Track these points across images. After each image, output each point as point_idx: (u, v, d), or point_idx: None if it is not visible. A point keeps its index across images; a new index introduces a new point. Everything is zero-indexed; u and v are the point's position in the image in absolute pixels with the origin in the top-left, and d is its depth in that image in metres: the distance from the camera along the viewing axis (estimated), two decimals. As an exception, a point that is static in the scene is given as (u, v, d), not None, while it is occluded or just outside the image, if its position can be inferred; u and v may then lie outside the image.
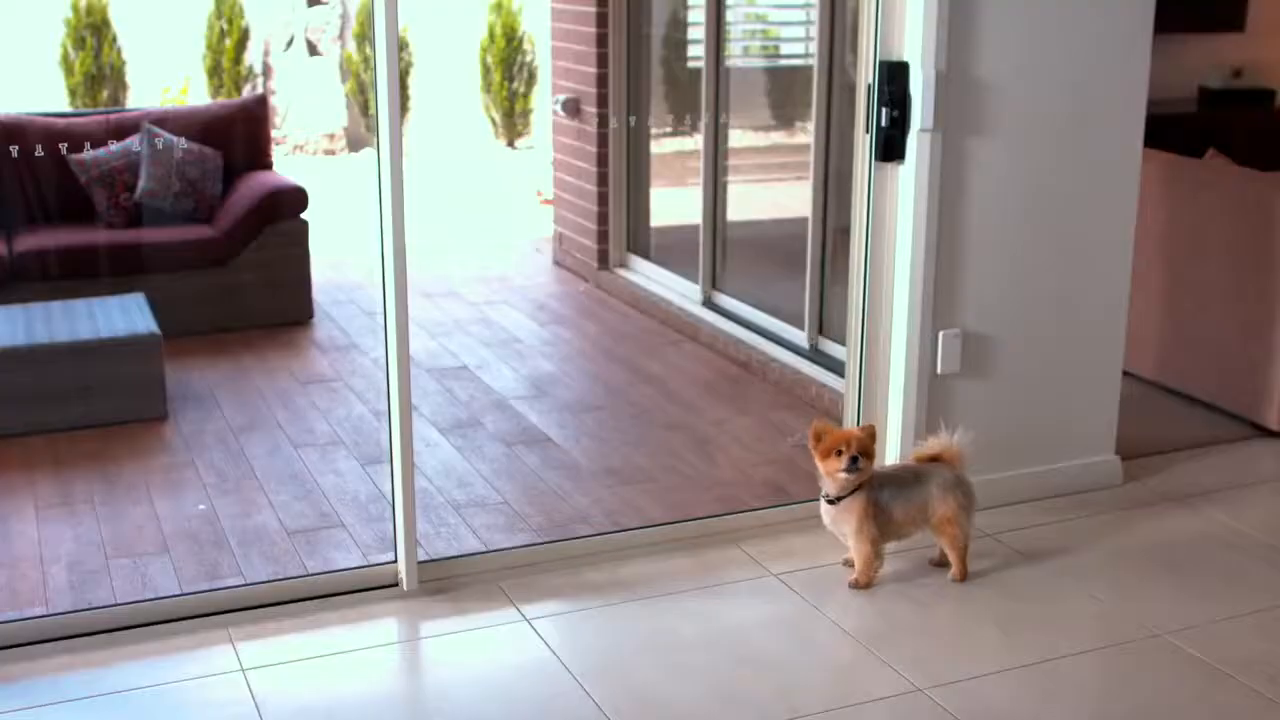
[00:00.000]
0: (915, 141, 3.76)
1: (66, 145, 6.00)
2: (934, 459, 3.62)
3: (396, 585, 3.58)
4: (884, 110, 3.74)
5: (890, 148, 3.78)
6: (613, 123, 6.79)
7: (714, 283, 6.19)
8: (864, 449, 3.50)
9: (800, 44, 6.08)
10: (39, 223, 5.96)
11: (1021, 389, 4.04)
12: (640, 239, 6.91)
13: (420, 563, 3.63)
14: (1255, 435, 4.74)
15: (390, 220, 3.39)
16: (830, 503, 3.59)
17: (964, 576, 3.64)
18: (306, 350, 5.89)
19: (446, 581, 3.64)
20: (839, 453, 3.49)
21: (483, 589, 3.61)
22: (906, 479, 3.62)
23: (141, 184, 6.02)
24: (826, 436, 3.53)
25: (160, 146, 6.07)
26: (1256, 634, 3.40)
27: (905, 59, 3.74)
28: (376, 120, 3.38)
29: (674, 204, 6.83)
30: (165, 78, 9.17)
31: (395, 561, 3.61)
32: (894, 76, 3.75)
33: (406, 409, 3.54)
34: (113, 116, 6.43)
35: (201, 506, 4.21)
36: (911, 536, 3.67)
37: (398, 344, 3.49)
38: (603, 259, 6.94)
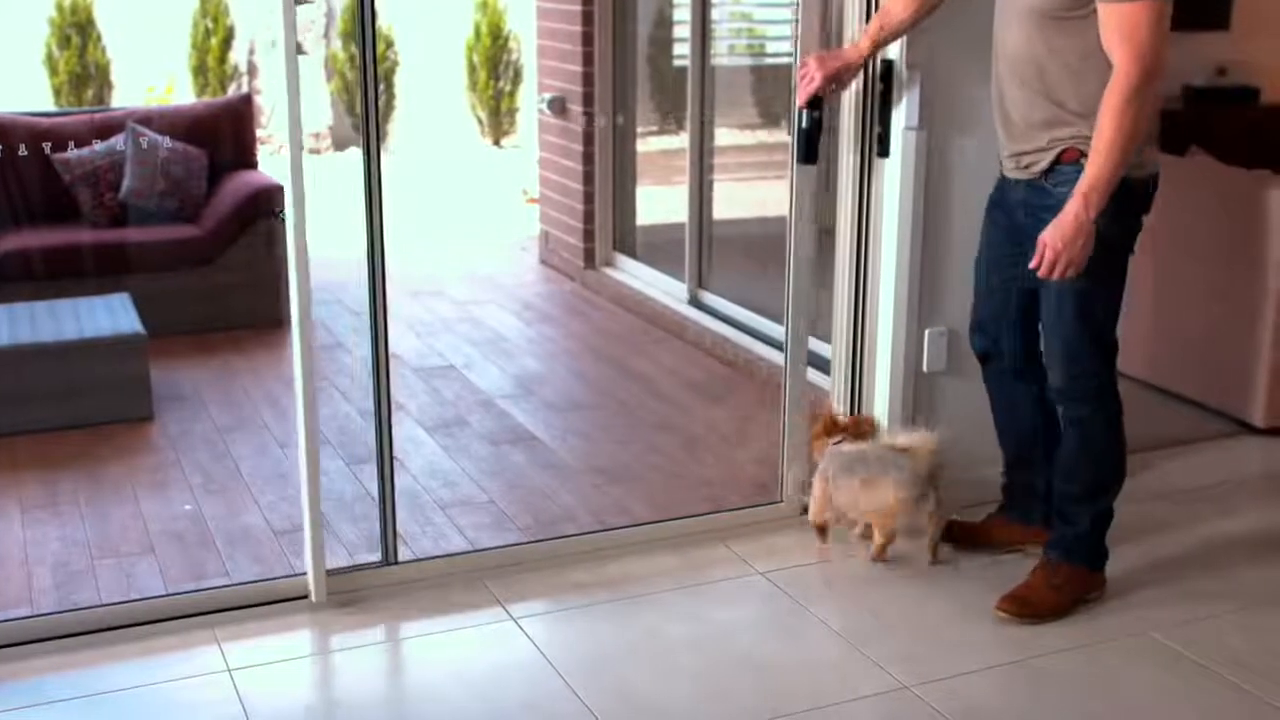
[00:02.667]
0: (901, 140, 3.76)
1: (50, 145, 5.99)
2: (905, 449, 3.65)
3: (382, 584, 3.58)
4: (805, 112, 3.71)
5: (811, 150, 3.76)
6: (599, 121, 6.79)
7: (700, 281, 6.19)
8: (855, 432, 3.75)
9: (786, 43, 6.08)
10: (23, 222, 5.94)
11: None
12: (626, 238, 6.91)
13: (406, 562, 3.63)
14: (1241, 432, 4.75)
15: (369, 218, 3.39)
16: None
17: (882, 554, 3.72)
18: (291, 349, 5.87)
19: (433, 581, 3.63)
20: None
21: (469, 588, 3.60)
22: (870, 460, 3.66)
23: (126, 183, 6.01)
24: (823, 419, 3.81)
25: (145, 146, 6.06)
26: (1242, 632, 3.41)
27: (891, 57, 3.74)
28: (364, 118, 3.37)
29: (660, 202, 6.83)
30: (150, 77, 9.15)
31: (382, 561, 3.61)
32: (880, 75, 3.75)
33: (386, 410, 3.54)
34: (97, 116, 6.42)
35: (187, 507, 4.20)
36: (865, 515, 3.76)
37: (377, 341, 3.49)
38: (589, 258, 6.94)
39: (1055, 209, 3.16)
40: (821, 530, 3.82)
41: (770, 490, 4.12)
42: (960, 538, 3.78)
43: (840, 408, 3.97)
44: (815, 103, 3.67)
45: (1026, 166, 3.30)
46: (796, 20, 3.75)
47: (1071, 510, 3.49)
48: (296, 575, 3.61)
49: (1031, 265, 3.16)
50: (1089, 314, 3.30)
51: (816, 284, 3.97)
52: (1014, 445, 3.70)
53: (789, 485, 4.00)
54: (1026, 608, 3.43)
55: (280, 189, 6.08)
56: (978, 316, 3.61)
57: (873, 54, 3.66)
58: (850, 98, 3.84)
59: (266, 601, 3.48)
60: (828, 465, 3.72)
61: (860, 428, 3.76)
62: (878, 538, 3.72)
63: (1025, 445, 3.67)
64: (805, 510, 3.91)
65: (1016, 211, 3.37)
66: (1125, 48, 3.00)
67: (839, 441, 3.72)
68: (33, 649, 3.28)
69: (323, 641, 3.36)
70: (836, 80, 3.64)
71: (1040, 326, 3.44)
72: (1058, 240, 3.10)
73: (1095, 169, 3.06)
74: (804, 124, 3.72)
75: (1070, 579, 3.47)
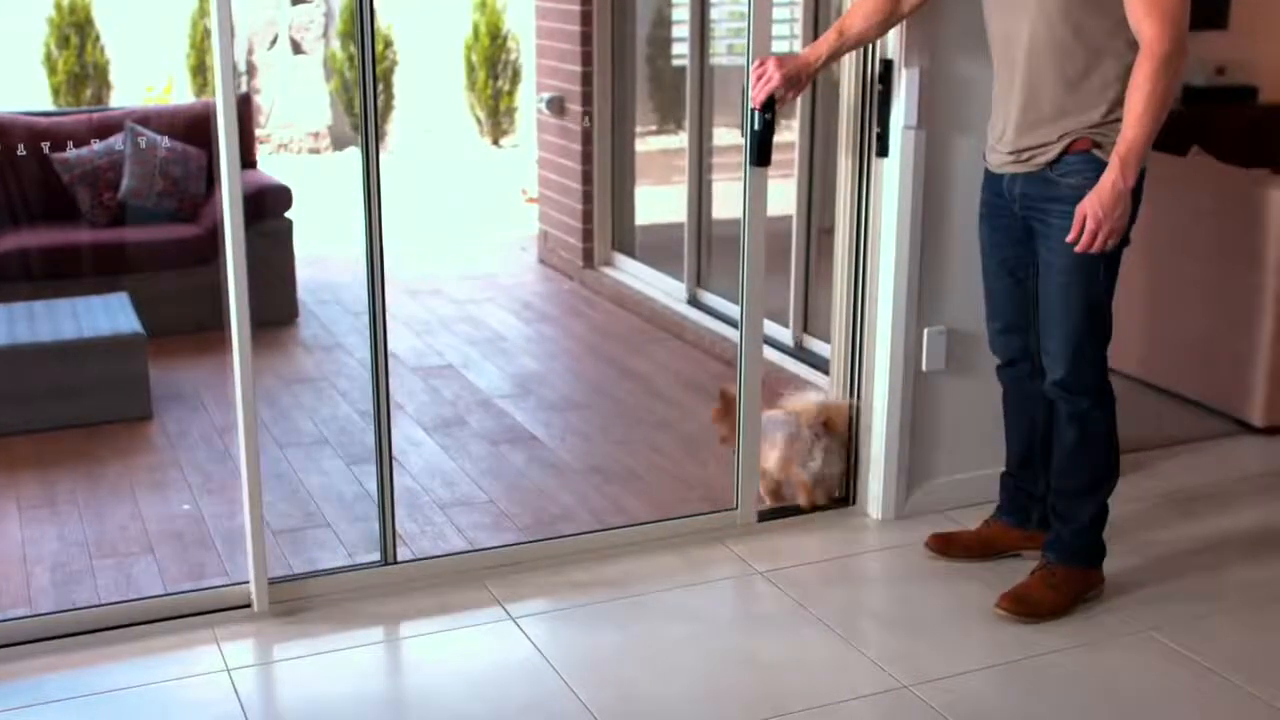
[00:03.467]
0: (899, 139, 3.76)
1: (49, 144, 5.99)
2: (795, 412, 4.01)
3: (382, 584, 3.58)
4: (758, 114, 3.70)
5: (764, 151, 3.75)
6: (584, 122, 6.78)
7: (699, 280, 6.19)
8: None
9: (785, 42, 6.07)
10: (22, 222, 5.94)
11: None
12: (625, 237, 6.91)
13: (405, 561, 3.63)
14: (1239, 432, 4.75)
15: (368, 218, 3.39)
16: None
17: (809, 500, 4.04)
18: (291, 350, 5.88)
19: (432, 581, 3.63)
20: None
21: (468, 588, 3.60)
22: (769, 425, 4.01)
23: (125, 183, 6.01)
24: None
25: (144, 145, 6.05)
26: (1241, 630, 3.41)
27: (890, 56, 3.74)
28: (362, 118, 3.37)
29: (659, 202, 6.83)
30: (149, 76, 9.15)
31: (380, 560, 3.61)
32: (879, 74, 3.75)
33: (386, 410, 3.54)
34: (96, 115, 6.42)
35: (186, 506, 4.20)
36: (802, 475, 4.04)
37: (376, 341, 3.49)
38: (588, 257, 6.94)
39: (1061, 200, 3.19)
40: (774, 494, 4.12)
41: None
42: (959, 548, 3.77)
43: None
44: (769, 105, 3.65)
45: (1028, 160, 3.29)
46: (749, 23, 3.71)
47: (1069, 508, 3.49)
48: (297, 574, 3.61)
49: (1070, 238, 3.15)
50: (1094, 302, 3.31)
51: (816, 284, 3.97)
52: (1023, 446, 3.68)
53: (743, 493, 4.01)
54: (1026, 606, 3.43)
55: (280, 188, 6.12)
56: (1000, 323, 3.57)
57: (829, 63, 3.65)
58: (849, 97, 3.84)
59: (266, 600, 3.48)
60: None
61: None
62: (801, 497, 4.04)
63: (1033, 446, 3.65)
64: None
65: (1014, 207, 3.37)
66: (1153, 19, 3.03)
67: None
68: (31, 649, 3.28)
69: (322, 642, 3.35)
70: (794, 82, 3.62)
71: (1039, 319, 3.43)
72: (1098, 209, 3.10)
73: (1131, 134, 3.07)
74: (756, 126, 3.70)
75: (1068, 578, 3.48)
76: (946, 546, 3.76)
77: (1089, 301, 3.30)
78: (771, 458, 4.02)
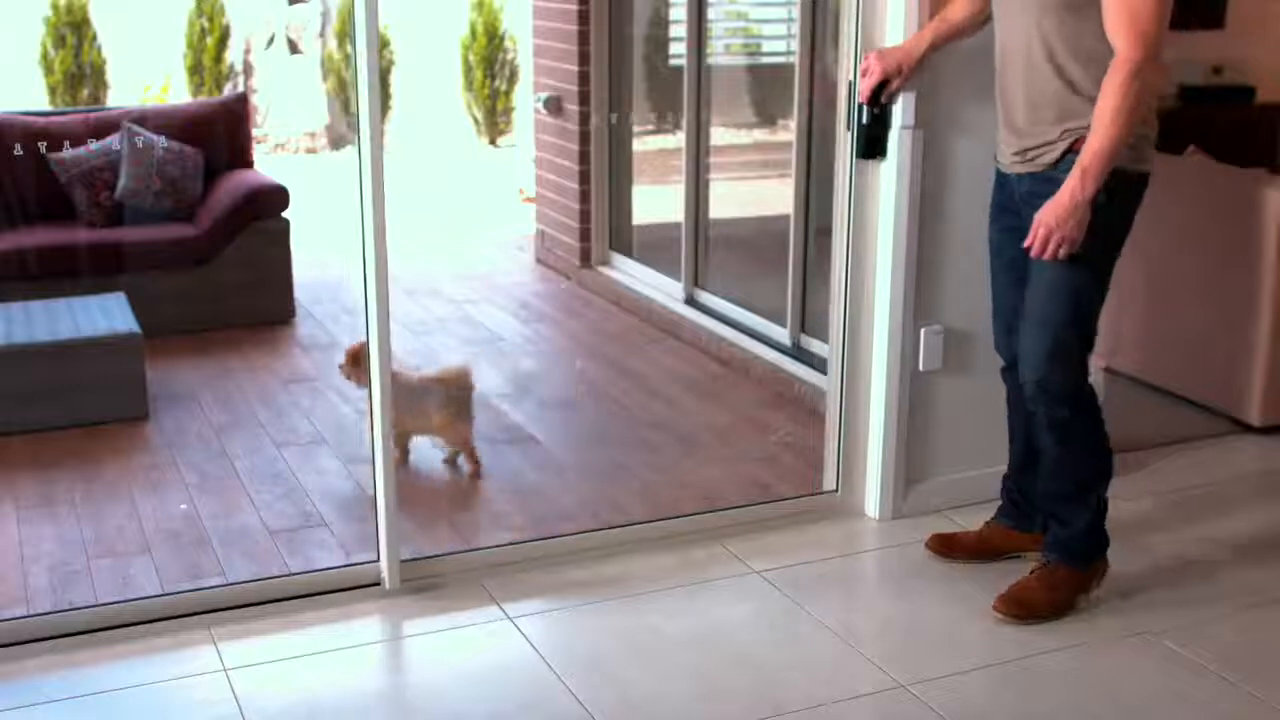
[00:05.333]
0: (896, 139, 3.76)
1: (46, 144, 5.98)
2: (440, 380, 4.50)
3: (378, 584, 3.58)
4: (865, 108, 3.74)
5: (872, 145, 3.79)
6: (594, 120, 6.79)
7: (696, 280, 6.19)
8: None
9: (782, 41, 6.08)
10: (18, 222, 5.93)
11: (1003, 386, 4.04)
12: (622, 237, 6.91)
13: (403, 561, 3.63)
14: (1236, 431, 4.75)
15: (371, 219, 3.38)
16: None
17: (476, 469, 4.49)
18: (288, 349, 5.88)
19: (429, 580, 3.63)
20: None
21: (466, 587, 3.60)
22: (416, 390, 4.45)
23: (122, 183, 6.00)
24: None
25: (140, 145, 6.05)
26: (1240, 631, 3.42)
27: (887, 56, 3.74)
28: (357, 118, 3.37)
29: (656, 202, 6.83)
30: (146, 76, 9.14)
31: (377, 560, 3.60)
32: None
33: (387, 406, 3.54)
34: (93, 115, 6.41)
35: (183, 506, 4.20)
36: (422, 434, 4.53)
37: (379, 341, 3.49)
38: (585, 257, 6.94)
39: None
40: (404, 460, 4.54)
41: (769, 488, 4.12)
42: (960, 549, 3.76)
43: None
44: (875, 99, 3.69)
45: (1033, 159, 3.29)
46: (856, 22, 3.75)
47: (1064, 510, 3.49)
48: (290, 575, 3.61)
49: (1025, 244, 3.18)
50: (1079, 304, 3.30)
51: (814, 284, 3.97)
52: (1023, 449, 3.66)
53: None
54: (1023, 608, 3.43)
55: (277, 188, 6.11)
56: (1004, 323, 3.55)
57: (932, 50, 3.63)
58: (847, 96, 3.84)
59: (264, 600, 3.48)
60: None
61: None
62: (465, 452, 4.51)
63: (1033, 449, 3.60)
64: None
65: (1023, 208, 3.34)
66: (1124, 30, 3.04)
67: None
68: (29, 649, 3.27)
69: (319, 642, 3.35)
70: (897, 73, 3.64)
71: (1022, 319, 3.40)
72: (1051, 217, 3.12)
73: (1095, 143, 3.08)
74: (864, 119, 3.75)
75: (1069, 578, 3.47)
76: (947, 548, 3.76)
77: (1075, 305, 3.29)
78: (426, 421, 4.47)
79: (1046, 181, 3.24)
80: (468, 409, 4.52)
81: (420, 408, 4.43)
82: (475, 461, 4.51)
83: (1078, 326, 3.32)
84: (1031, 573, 3.51)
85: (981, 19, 3.55)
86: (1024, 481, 3.68)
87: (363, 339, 4.13)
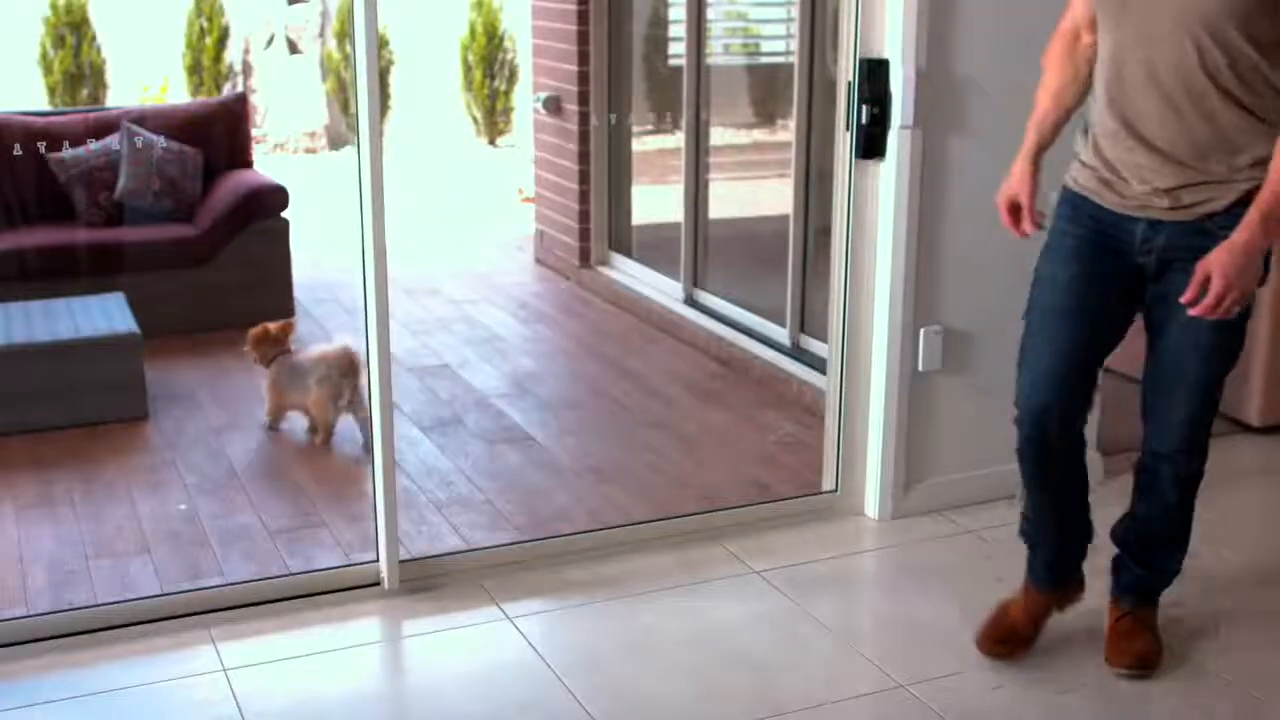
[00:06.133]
0: (895, 139, 3.76)
1: (45, 144, 5.98)
2: (322, 359, 4.71)
3: (378, 584, 3.58)
4: (864, 107, 3.74)
5: (871, 145, 3.79)
6: (594, 120, 6.79)
7: (696, 280, 6.19)
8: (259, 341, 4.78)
9: (781, 42, 6.08)
10: (18, 222, 5.93)
11: (1003, 385, 4.03)
12: (622, 237, 6.91)
13: (402, 561, 3.63)
14: (1236, 431, 4.75)
15: (370, 218, 3.38)
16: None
17: (326, 441, 4.70)
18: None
19: (428, 580, 3.63)
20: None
21: (465, 588, 3.60)
22: (301, 367, 4.73)
23: (121, 183, 6.00)
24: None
25: (140, 145, 6.05)
26: (1239, 632, 3.42)
27: (885, 56, 3.74)
28: (357, 118, 3.37)
29: (656, 202, 6.83)
30: (145, 76, 9.13)
31: (377, 560, 3.60)
32: (874, 74, 3.75)
33: (387, 407, 3.54)
34: (92, 115, 6.41)
35: (182, 506, 4.20)
36: (299, 409, 4.77)
37: (379, 341, 3.49)
38: (584, 257, 6.94)
39: None
40: (275, 428, 4.83)
41: (769, 488, 4.12)
42: (1021, 646, 3.28)
43: (272, 324, 4.83)
44: (877, 97, 3.69)
45: (1190, 206, 2.82)
46: (855, 22, 3.66)
47: (1159, 558, 3.24)
48: (289, 575, 3.61)
49: (1186, 298, 2.72)
50: (1232, 360, 2.96)
51: (813, 284, 3.96)
52: (1064, 524, 3.25)
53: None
54: (1150, 661, 3.20)
55: (276, 188, 6.11)
56: (1054, 373, 3.02)
57: (1054, 138, 3.09)
58: (845, 96, 3.84)
59: (263, 600, 3.49)
60: (278, 375, 4.76)
61: (285, 331, 4.82)
62: (320, 427, 4.70)
63: (1076, 516, 3.26)
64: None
65: (1140, 255, 2.90)
66: None
67: (282, 354, 4.77)
68: (28, 649, 3.27)
69: (318, 642, 3.35)
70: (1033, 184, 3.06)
71: (1150, 384, 3.02)
72: (1231, 270, 2.67)
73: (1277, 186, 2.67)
74: (863, 119, 3.74)
75: (1154, 614, 3.30)
76: (1008, 650, 3.28)
77: (1229, 362, 2.95)
78: (309, 397, 4.70)
79: (1199, 234, 2.80)
80: (342, 389, 4.69)
81: (302, 384, 4.71)
82: (326, 439, 4.72)
83: (1221, 382, 2.99)
84: (1131, 627, 3.25)
85: (1087, 73, 3.01)
86: (1072, 549, 3.29)
87: (267, 324, 4.81)
